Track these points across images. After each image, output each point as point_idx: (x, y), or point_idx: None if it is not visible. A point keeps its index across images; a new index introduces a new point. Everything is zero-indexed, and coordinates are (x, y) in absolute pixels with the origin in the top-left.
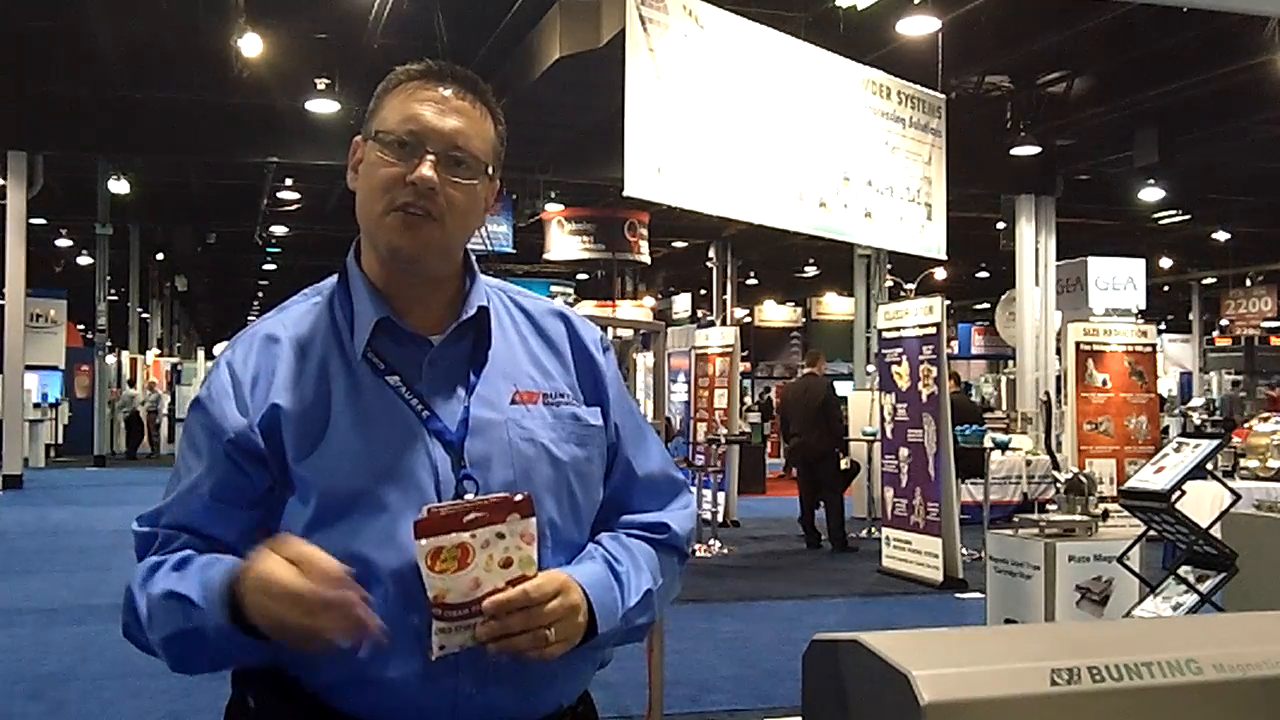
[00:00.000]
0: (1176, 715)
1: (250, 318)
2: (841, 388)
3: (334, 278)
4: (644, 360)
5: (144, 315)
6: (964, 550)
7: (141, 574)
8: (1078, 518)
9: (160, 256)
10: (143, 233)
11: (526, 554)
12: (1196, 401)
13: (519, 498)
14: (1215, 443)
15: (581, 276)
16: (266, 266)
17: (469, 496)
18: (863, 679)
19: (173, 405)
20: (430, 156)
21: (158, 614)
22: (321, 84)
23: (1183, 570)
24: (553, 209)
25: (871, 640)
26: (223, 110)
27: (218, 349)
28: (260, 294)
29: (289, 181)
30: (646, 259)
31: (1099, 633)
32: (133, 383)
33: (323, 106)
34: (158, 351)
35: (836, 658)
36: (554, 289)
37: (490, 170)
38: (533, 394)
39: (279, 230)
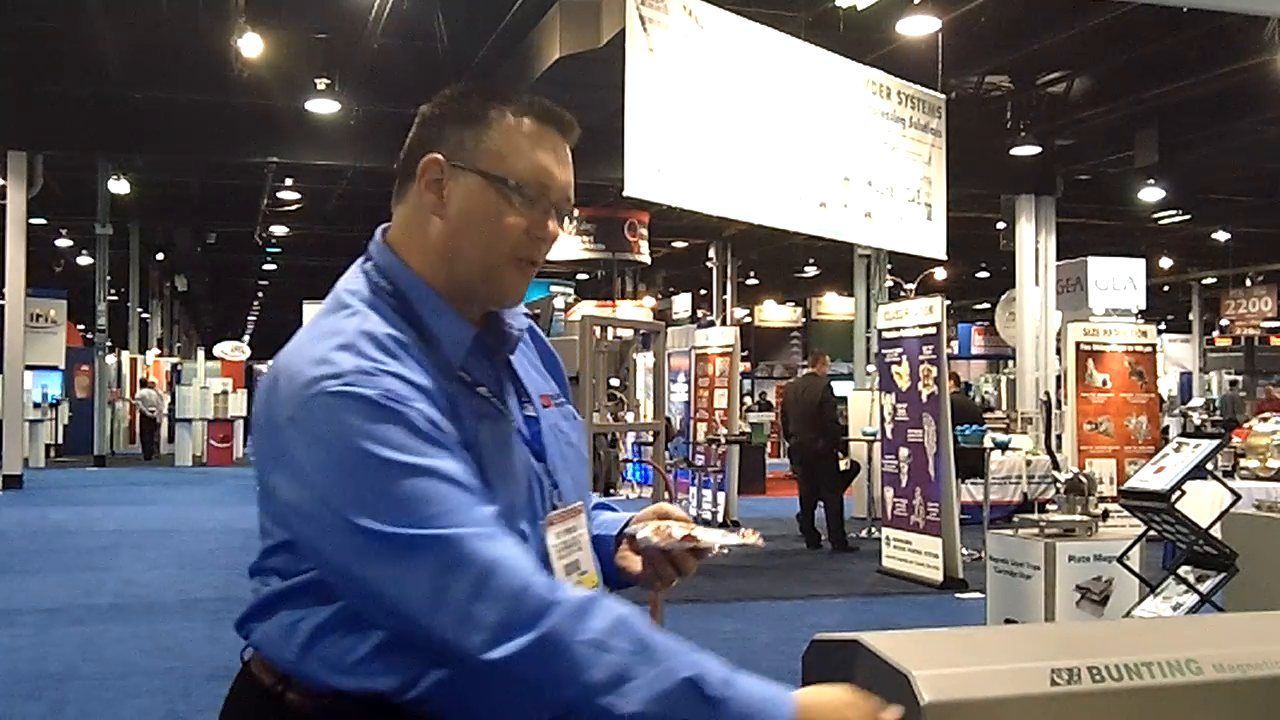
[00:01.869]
0: (1176, 715)
1: (251, 318)
2: (842, 388)
3: (364, 285)
4: (644, 360)
5: (144, 315)
6: (964, 550)
7: (572, 608)
8: (1078, 518)
9: (160, 256)
10: (143, 233)
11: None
12: (1196, 401)
13: (579, 503)
14: (1215, 443)
15: (581, 276)
16: (266, 266)
17: (560, 507)
18: (862, 679)
19: (173, 406)
20: (556, 211)
21: (635, 680)
22: (321, 84)
23: (1183, 570)
24: None
25: (871, 640)
26: (223, 110)
27: (218, 349)
28: (260, 294)
29: (289, 181)
30: (646, 259)
31: (1099, 633)
32: (145, 383)
33: (323, 106)
34: (158, 352)
35: (836, 658)
36: (554, 289)
37: None
38: (548, 398)
39: (279, 230)
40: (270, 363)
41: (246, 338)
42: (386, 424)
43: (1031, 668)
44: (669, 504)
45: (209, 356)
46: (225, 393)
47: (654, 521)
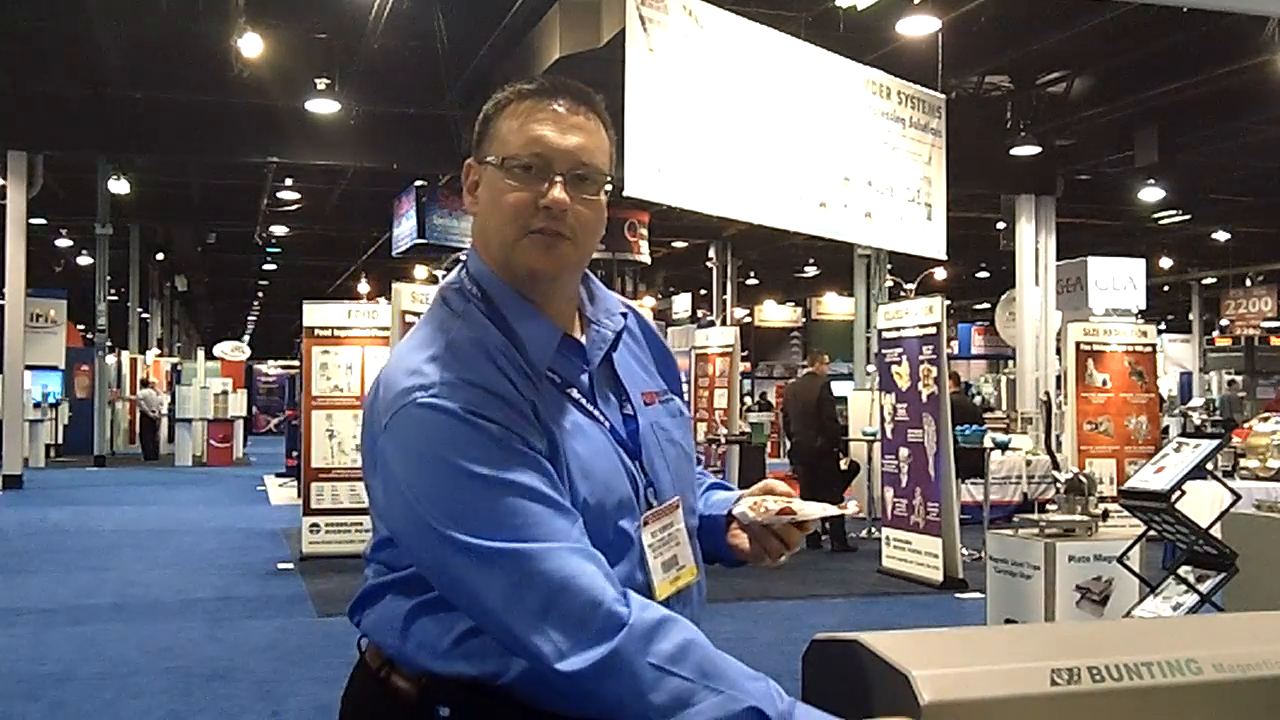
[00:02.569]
0: (1176, 715)
1: (250, 318)
2: (842, 388)
3: (456, 294)
4: None
5: (144, 315)
6: (964, 550)
7: (641, 630)
8: (1078, 518)
9: (160, 256)
10: (143, 233)
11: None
12: (1196, 401)
13: (675, 499)
14: (1215, 443)
15: None
16: (266, 266)
17: (656, 505)
18: (863, 679)
19: (173, 406)
20: (559, 178)
21: (698, 706)
22: (321, 84)
23: (1183, 570)
24: None
25: (872, 640)
26: (222, 110)
27: (218, 349)
28: (260, 294)
29: (289, 181)
30: (646, 259)
31: (1099, 633)
32: (145, 383)
33: (323, 106)
34: (158, 352)
35: (837, 658)
36: None
37: (610, 179)
38: (652, 394)
39: (279, 230)
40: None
41: (246, 338)
42: (469, 437)
43: (1031, 668)
44: (775, 480)
45: (209, 356)
46: (225, 393)
47: (752, 498)
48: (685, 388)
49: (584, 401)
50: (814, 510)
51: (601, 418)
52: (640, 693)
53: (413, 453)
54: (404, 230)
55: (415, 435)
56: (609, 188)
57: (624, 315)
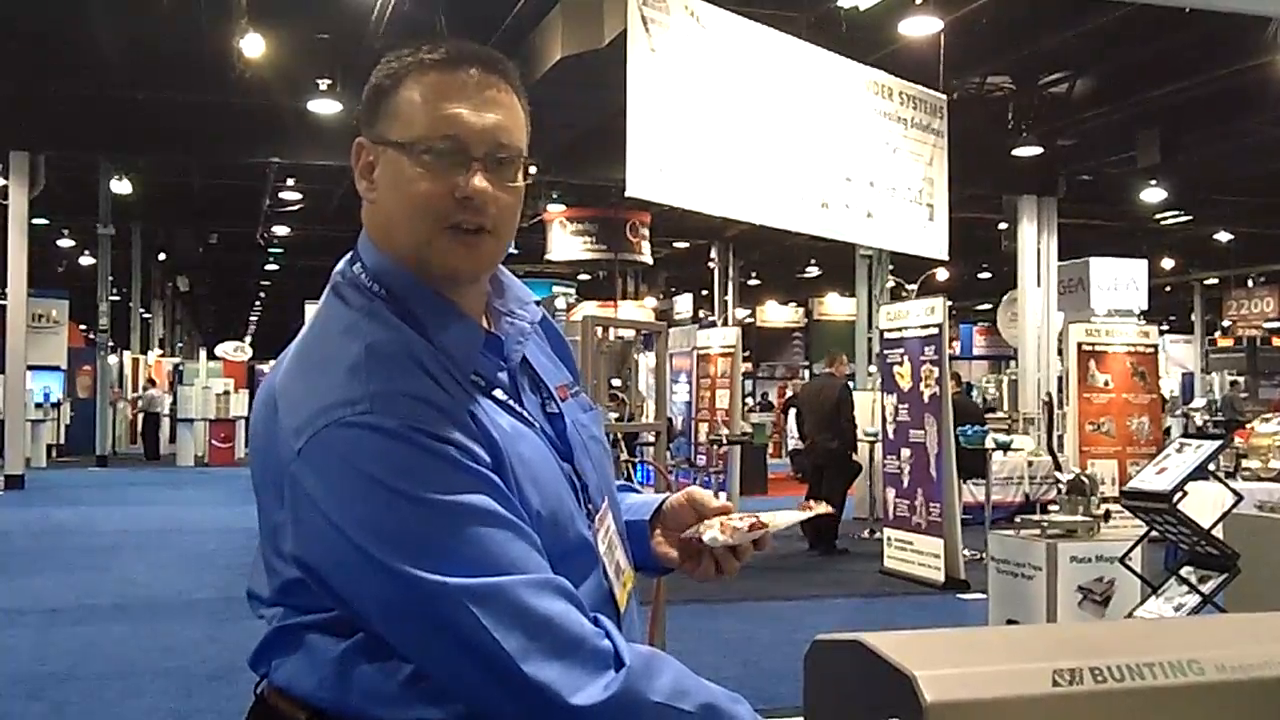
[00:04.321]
0: (1179, 716)
1: (252, 318)
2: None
3: (356, 293)
4: (646, 361)
5: (146, 315)
6: (966, 551)
7: (640, 666)
8: (1079, 518)
9: (162, 257)
10: (144, 233)
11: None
12: (1198, 402)
13: (605, 502)
14: (1217, 444)
15: (583, 277)
16: (268, 267)
17: (590, 505)
18: (865, 680)
19: (174, 406)
20: (477, 163)
21: None
22: (323, 84)
23: (1185, 571)
24: (555, 209)
25: (873, 641)
26: (224, 110)
27: (220, 349)
28: (262, 294)
29: (291, 182)
30: (648, 259)
31: (1101, 633)
32: (152, 383)
33: (324, 107)
34: (160, 352)
35: (838, 658)
36: (556, 289)
37: (528, 158)
38: (564, 388)
39: (281, 230)
40: (264, 384)
41: (248, 338)
42: (413, 458)
43: (1033, 668)
44: (697, 489)
45: (211, 357)
46: (227, 393)
47: (716, 520)
48: (688, 388)
49: (512, 403)
50: (784, 519)
51: (531, 419)
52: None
53: (345, 480)
54: None
55: (346, 460)
56: (531, 169)
57: (537, 305)
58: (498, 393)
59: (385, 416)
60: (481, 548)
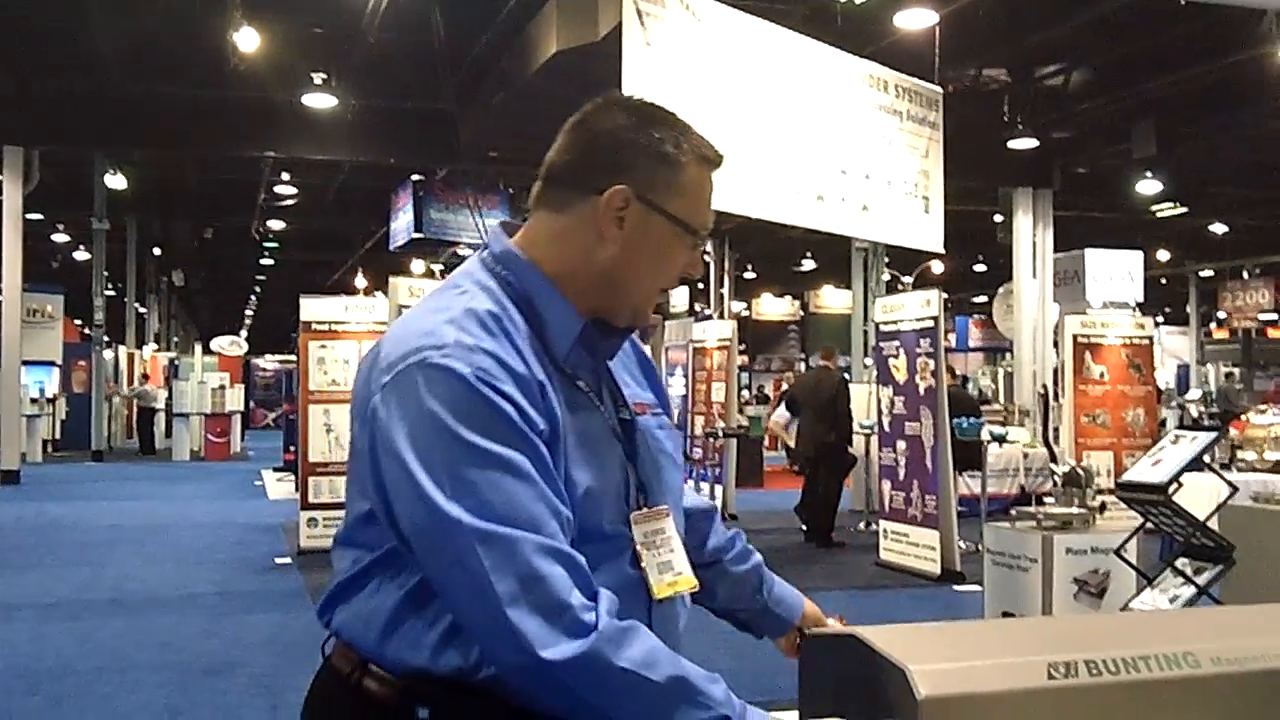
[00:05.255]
0: (1173, 708)
1: (248, 312)
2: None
3: (480, 270)
4: None
5: (141, 310)
6: (961, 543)
7: (611, 634)
8: (1075, 510)
9: (157, 251)
10: (140, 228)
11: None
12: (1194, 394)
13: (666, 508)
14: (1212, 435)
15: None
16: (264, 261)
17: (646, 508)
18: (860, 673)
19: (170, 401)
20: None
21: (666, 708)
22: (318, 78)
23: (1180, 563)
24: None
25: (868, 634)
26: (219, 105)
27: (215, 343)
28: (258, 288)
29: (286, 176)
30: None
31: (1096, 626)
32: (146, 377)
33: (319, 101)
34: (155, 346)
35: (833, 652)
36: None
37: None
38: (644, 405)
39: (276, 225)
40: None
41: (244, 332)
42: (473, 404)
43: (1028, 661)
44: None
45: (206, 351)
46: (223, 387)
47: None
48: (684, 382)
49: (590, 394)
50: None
51: (606, 413)
52: (616, 696)
53: (411, 410)
54: (401, 225)
55: (419, 392)
56: None
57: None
58: (580, 383)
59: (461, 363)
60: (507, 498)
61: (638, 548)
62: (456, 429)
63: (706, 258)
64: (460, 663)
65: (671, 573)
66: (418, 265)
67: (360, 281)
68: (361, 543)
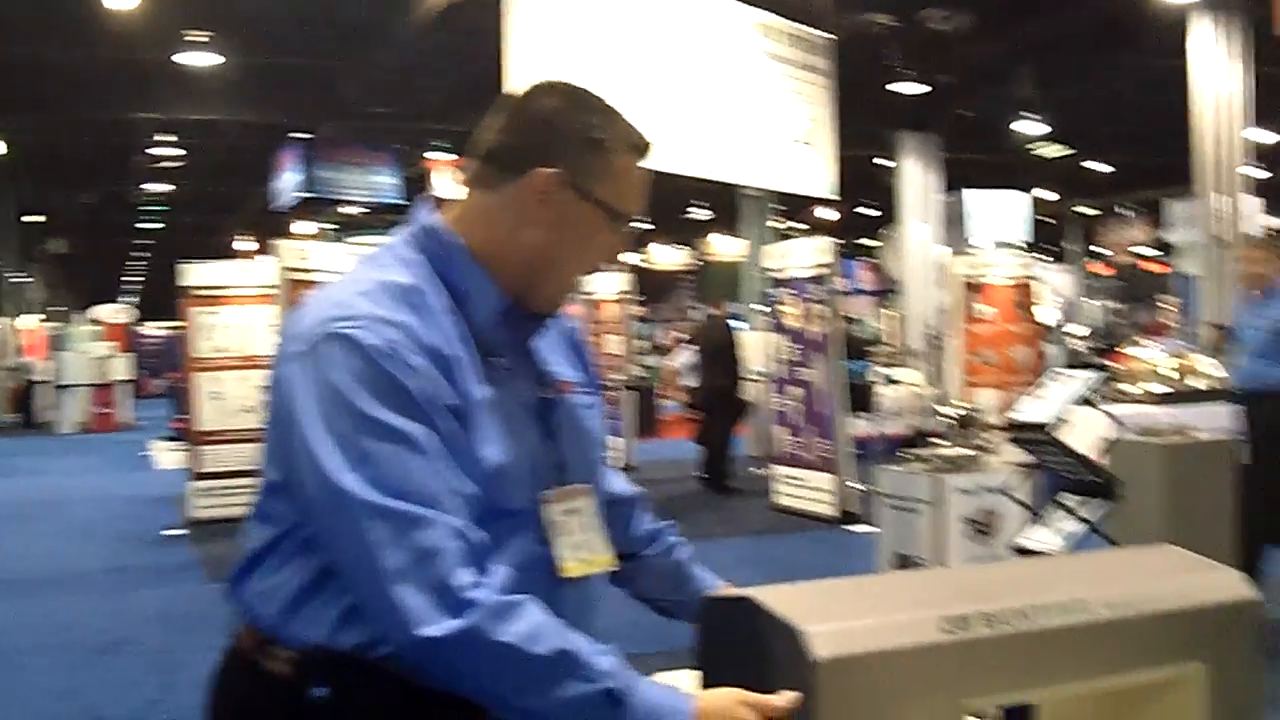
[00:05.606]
0: (1068, 656)
1: (134, 279)
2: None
3: (404, 245)
4: None
5: (21, 280)
6: (857, 485)
7: (492, 609)
8: (964, 451)
9: (37, 218)
10: (18, 195)
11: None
12: (1077, 329)
13: (586, 485)
14: (1095, 373)
15: None
16: (150, 225)
17: (563, 483)
18: (755, 636)
19: (56, 372)
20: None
21: (549, 681)
22: (196, 36)
23: (1067, 499)
24: (439, 158)
25: (762, 596)
26: (93, 66)
27: (100, 312)
28: (143, 254)
29: (168, 138)
30: None
31: (989, 577)
32: (27, 349)
33: (197, 60)
34: (39, 316)
35: (729, 615)
36: None
37: None
38: (568, 384)
39: (160, 188)
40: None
41: (130, 300)
42: (378, 377)
43: (922, 617)
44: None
45: (91, 320)
46: (109, 357)
47: None
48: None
49: (508, 372)
50: None
51: (522, 392)
52: (497, 671)
53: (318, 381)
54: (287, 184)
55: (325, 364)
56: None
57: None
58: (499, 360)
59: (370, 335)
60: (405, 473)
61: (550, 525)
62: (359, 401)
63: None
64: (359, 639)
65: (587, 551)
66: (307, 226)
67: (248, 244)
68: (270, 515)
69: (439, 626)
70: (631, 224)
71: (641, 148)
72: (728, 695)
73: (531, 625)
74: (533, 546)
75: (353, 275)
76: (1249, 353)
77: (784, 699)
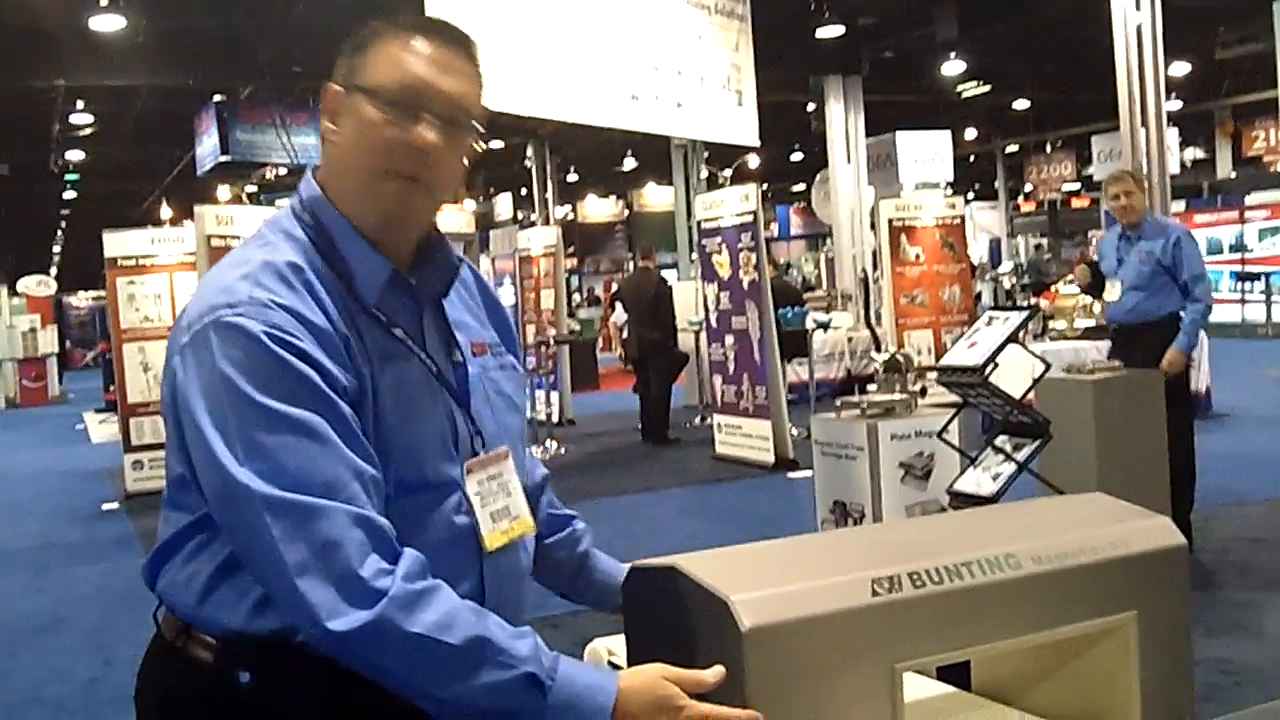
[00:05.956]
0: (1002, 612)
1: (55, 249)
2: (666, 279)
3: (288, 218)
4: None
5: None
6: (794, 430)
7: (403, 600)
8: (897, 397)
9: None
10: None
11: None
12: (1006, 266)
13: (504, 449)
14: (1024, 315)
15: None
16: (67, 195)
17: (482, 454)
18: (682, 605)
19: None
20: (432, 119)
21: (466, 670)
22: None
23: (999, 440)
24: None
25: (688, 565)
26: (1, 33)
27: (22, 284)
28: (63, 224)
29: (81, 105)
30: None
31: (919, 534)
32: None
33: (107, 23)
34: None
35: (655, 585)
36: None
37: (479, 133)
38: (483, 345)
39: (76, 156)
40: None
41: (53, 270)
42: (266, 364)
43: (852, 579)
44: None
45: (13, 293)
46: (34, 330)
47: None
48: (513, 291)
49: (409, 342)
50: None
51: (427, 360)
52: (410, 662)
53: (207, 373)
54: (207, 149)
55: (213, 355)
56: (477, 145)
57: (459, 264)
58: (398, 331)
59: (255, 322)
60: (301, 463)
61: (470, 497)
62: (250, 391)
63: (528, 163)
64: (277, 624)
65: (508, 519)
66: (225, 192)
67: (167, 211)
68: (179, 505)
69: (347, 619)
70: (422, 109)
71: (413, 26)
72: (652, 672)
73: (443, 613)
74: (453, 520)
75: (237, 256)
76: (1128, 287)
77: (710, 673)
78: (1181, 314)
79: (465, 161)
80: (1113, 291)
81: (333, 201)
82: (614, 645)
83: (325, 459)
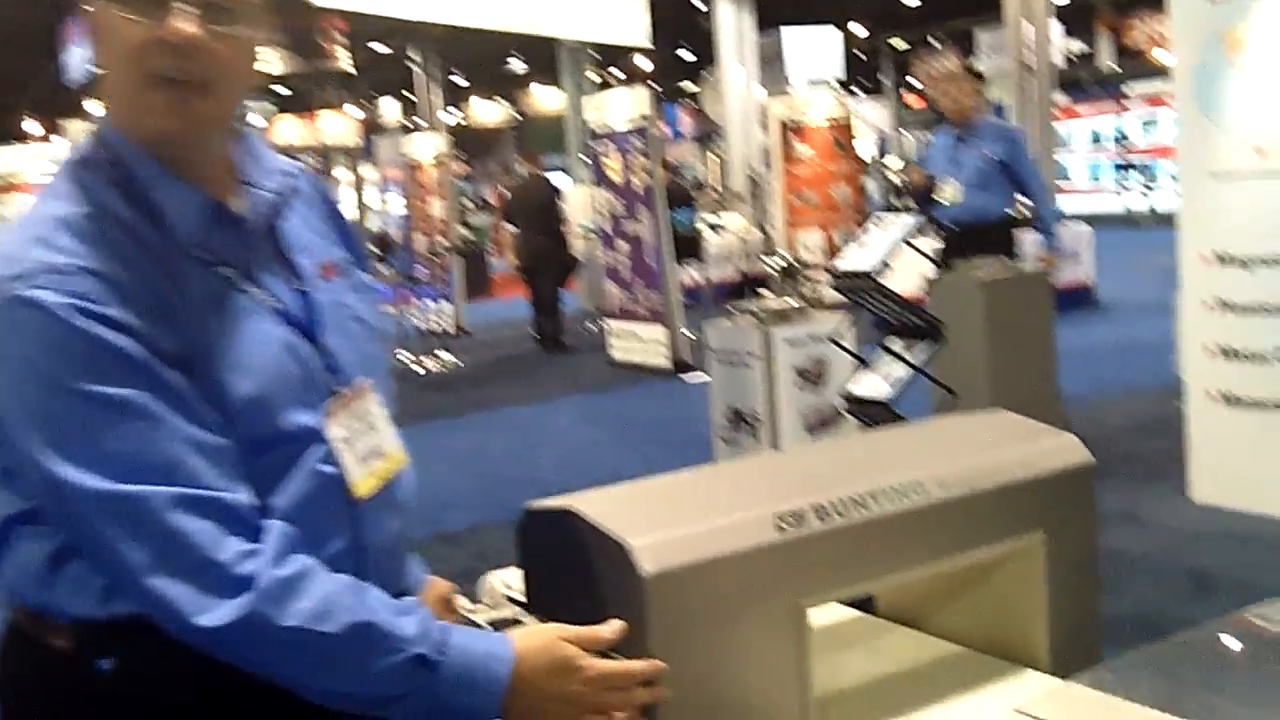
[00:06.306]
0: (906, 540)
1: None
2: (557, 183)
3: (80, 161)
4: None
5: None
6: (689, 334)
7: (273, 591)
8: (790, 303)
9: None
10: None
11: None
12: (893, 161)
13: (367, 382)
14: (915, 219)
15: (284, 91)
16: None
17: (343, 390)
18: (580, 551)
19: None
20: (185, 7)
21: (349, 659)
22: None
23: (894, 344)
24: None
25: (586, 508)
26: None
27: None
28: None
29: None
30: (349, 67)
31: (820, 461)
32: None
33: None
34: None
35: (552, 527)
36: (253, 105)
37: (262, 7)
38: (331, 266)
39: None
40: None
41: None
42: (73, 342)
43: (755, 516)
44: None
45: None
46: None
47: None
48: (403, 201)
49: (240, 282)
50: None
51: (265, 297)
52: (288, 657)
53: (6, 360)
54: (77, 58)
55: (10, 338)
56: (260, 24)
57: (293, 176)
58: (226, 270)
59: (56, 293)
60: (129, 448)
61: (334, 442)
62: (59, 376)
63: (413, 67)
64: (132, 609)
65: (379, 458)
66: (98, 105)
67: (37, 128)
68: (6, 487)
69: (214, 614)
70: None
71: None
72: (548, 633)
73: (319, 599)
74: (317, 468)
75: (28, 214)
76: (966, 186)
77: (608, 629)
78: (1010, 213)
79: (255, 54)
80: (945, 193)
81: (125, 134)
82: (510, 579)
83: (157, 438)
